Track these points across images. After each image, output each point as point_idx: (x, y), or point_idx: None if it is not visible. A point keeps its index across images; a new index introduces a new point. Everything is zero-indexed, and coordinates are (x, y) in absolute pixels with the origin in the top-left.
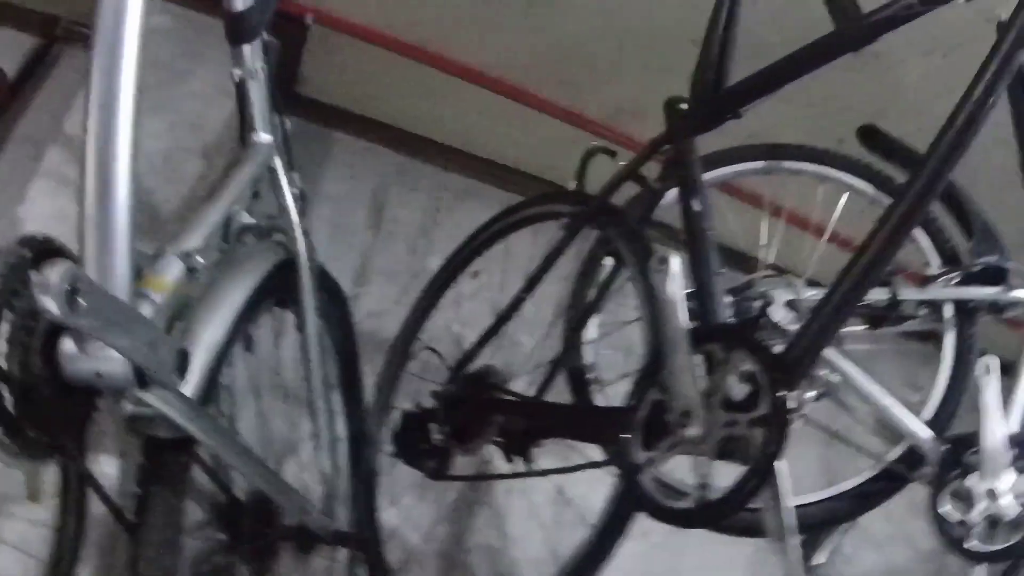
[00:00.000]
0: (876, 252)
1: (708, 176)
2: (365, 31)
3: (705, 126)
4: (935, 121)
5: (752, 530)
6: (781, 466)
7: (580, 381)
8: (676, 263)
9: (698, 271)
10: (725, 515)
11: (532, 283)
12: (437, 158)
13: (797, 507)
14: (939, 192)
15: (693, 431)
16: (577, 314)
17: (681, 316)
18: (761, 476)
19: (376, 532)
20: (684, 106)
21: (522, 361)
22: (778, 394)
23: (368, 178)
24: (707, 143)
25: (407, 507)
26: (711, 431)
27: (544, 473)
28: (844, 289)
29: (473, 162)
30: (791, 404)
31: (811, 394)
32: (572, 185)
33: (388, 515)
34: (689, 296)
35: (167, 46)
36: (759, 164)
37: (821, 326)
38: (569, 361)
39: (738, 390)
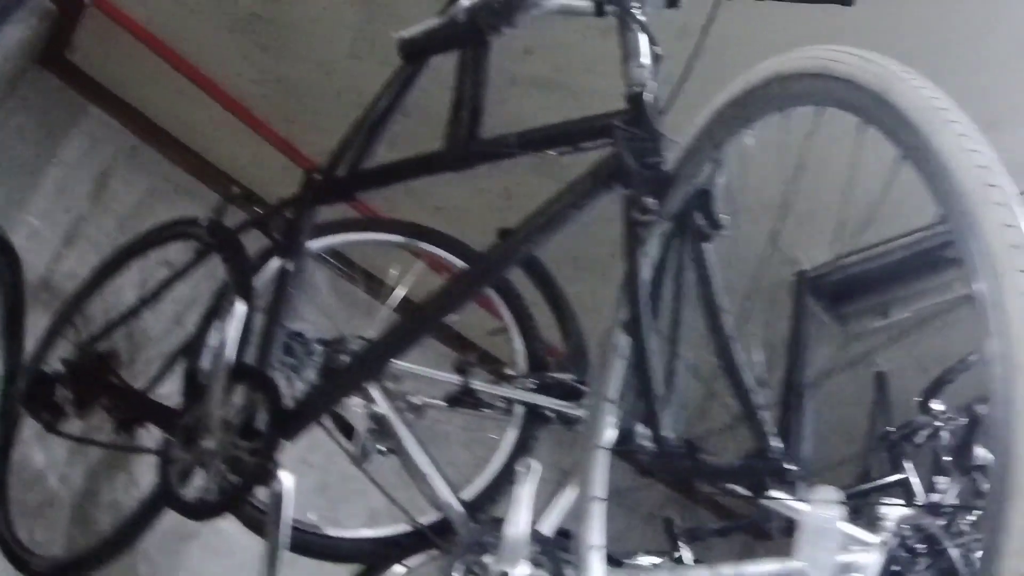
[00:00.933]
0: (405, 329)
1: (351, 237)
2: (132, 24)
3: (324, 200)
4: (599, 229)
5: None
6: (288, 488)
7: (192, 380)
8: (240, 308)
9: (269, 319)
10: (216, 515)
11: (159, 290)
12: (170, 150)
13: (330, 537)
14: (487, 286)
15: (208, 444)
16: (203, 324)
17: (228, 352)
18: (244, 493)
19: (4, 465)
20: (318, 176)
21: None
22: (272, 436)
23: (103, 152)
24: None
25: (56, 453)
26: (221, 448)
27: (110, 447)
28: (367, 356)
29: (199, 163)
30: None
31: (381, 448)
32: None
33: (36, 455)
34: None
35: None
36: (399, 238)
37: (333, 387)
38: (186, 360)
39: (258, 421)
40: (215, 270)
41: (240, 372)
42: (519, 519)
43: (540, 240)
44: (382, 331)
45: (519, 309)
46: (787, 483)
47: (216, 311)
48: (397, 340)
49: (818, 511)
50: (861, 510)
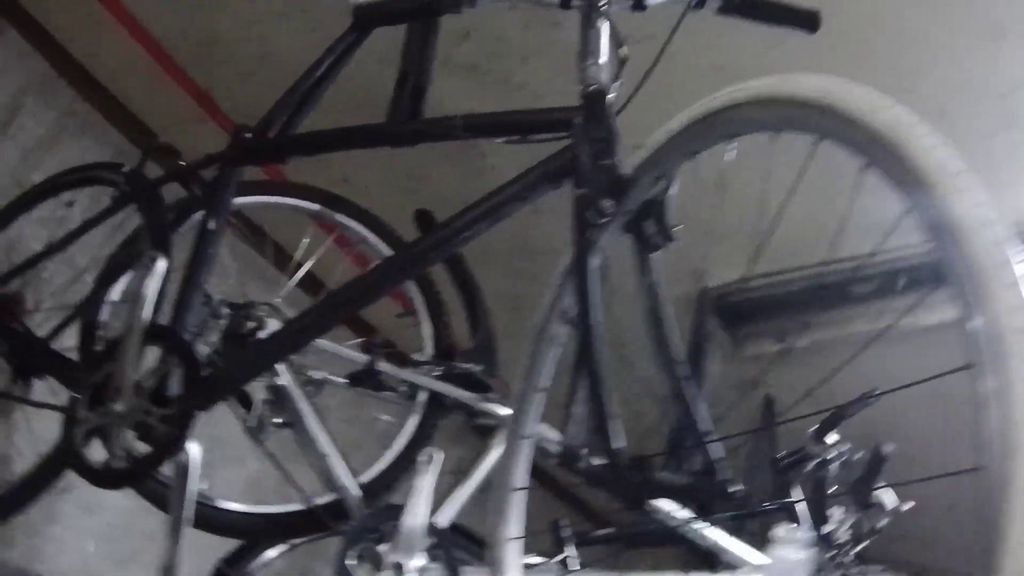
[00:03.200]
0: (336, 303)
1: (267, 199)
2: None
3: (253, 160)
4: (509, 223)
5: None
6: (195, 458)
7: (89, 333)
8: (161, 266)
9: (187, 279)
10: (123, 484)
11: (71, 237)
12: (82, 85)
13: (222, 510)
14: (419, 272)
15: (118, 407)
16: (105, 275)
17: (144, 310)
18: (155, 463)
19: None
20: (248, 135)
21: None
22: (187, 404)
23: (15, 80)
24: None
25: None
26: (132, 412)
27: (9, 397)
28: (293, 329)
29: (110, 103)
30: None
31: (277, 421)
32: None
33: None
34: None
35: None
36: (315, 207)
37: (253, 361)
38: (86, 313)
39: (172, 387)
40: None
41: (154, 333)
42: (418, 510)
43: (479, 230)
44: (305, 309)
45: (431, 294)
46: (731, 505)
47: (118, 265)
48: (318, 321)
49: (786, 553)
50: (748, 530)
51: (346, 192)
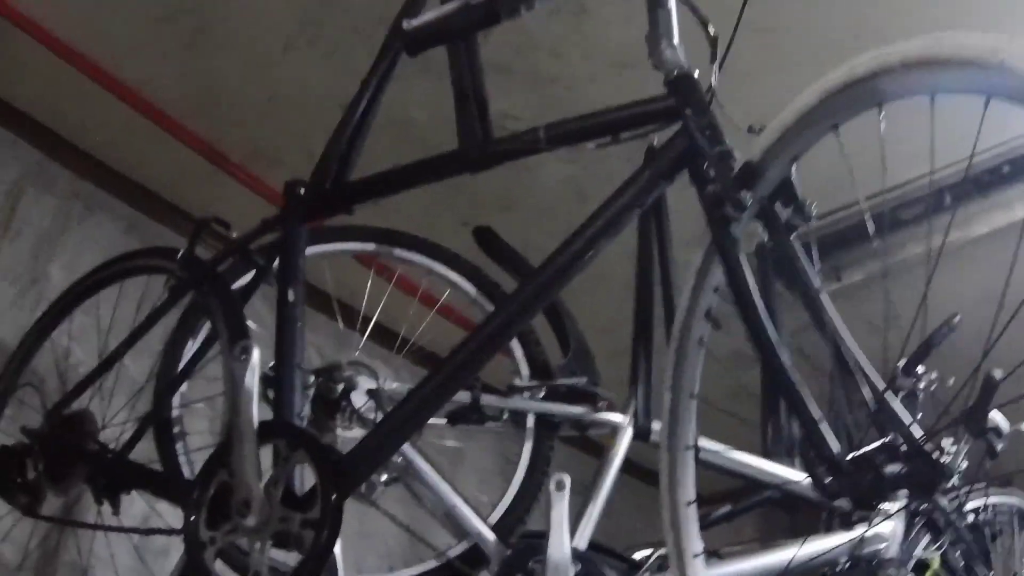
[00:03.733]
0: (463, 360)
1: (316, 250)
2: (28, 23)
3: (317, 215)
4: (559, 225)
5: None
6: (339, 553)
7: (167, 439)
8: (256, 355)
9: (280, 362)
10: None
11: (133, 338)
12: (76, 164)
13: None
14: (540, 309)
15: (250, 521)
16: (169, 373)
17: (252, 409)
18: (313, 569)
19: None
20: (303, 191)
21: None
22: (331, 500)
23: (7, 171)
24: None
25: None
26: (267, 523)
27: (120, 530)
28: (423, 395)
29: (110, 176)
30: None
31: (382, 478)
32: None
33: None
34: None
35: None
36: (370, 246)
37: (391, 432)
38: (157, 418)
39: (301, 485)
40: None
41: (266, 430)
42: (562, 540)
43: (598, 250)
44: (422, 380)
45: None
46: (945, 476)
47: (177, 357)
48: (441, 390)
49: None
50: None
51: (381, 212)
